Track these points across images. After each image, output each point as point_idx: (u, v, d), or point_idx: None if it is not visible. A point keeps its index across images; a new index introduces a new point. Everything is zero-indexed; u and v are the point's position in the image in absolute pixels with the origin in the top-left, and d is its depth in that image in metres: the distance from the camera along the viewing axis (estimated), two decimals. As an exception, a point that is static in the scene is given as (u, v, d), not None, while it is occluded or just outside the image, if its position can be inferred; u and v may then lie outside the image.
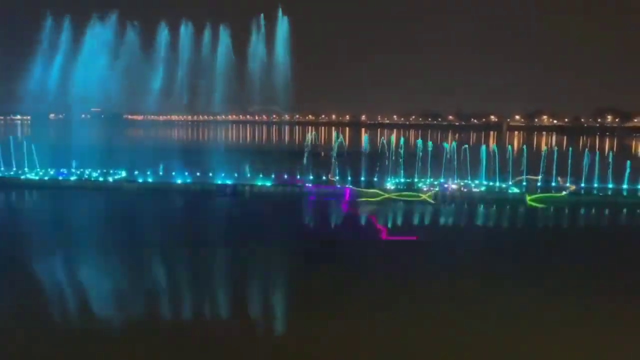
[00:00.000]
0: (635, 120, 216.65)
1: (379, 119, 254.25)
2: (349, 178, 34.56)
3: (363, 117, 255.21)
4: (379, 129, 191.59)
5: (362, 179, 35.22)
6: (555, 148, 38.90)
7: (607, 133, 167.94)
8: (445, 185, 33.04)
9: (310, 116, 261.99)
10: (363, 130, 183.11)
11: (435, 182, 33.78)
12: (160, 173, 35.42)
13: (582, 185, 33.63)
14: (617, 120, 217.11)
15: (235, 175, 34.81)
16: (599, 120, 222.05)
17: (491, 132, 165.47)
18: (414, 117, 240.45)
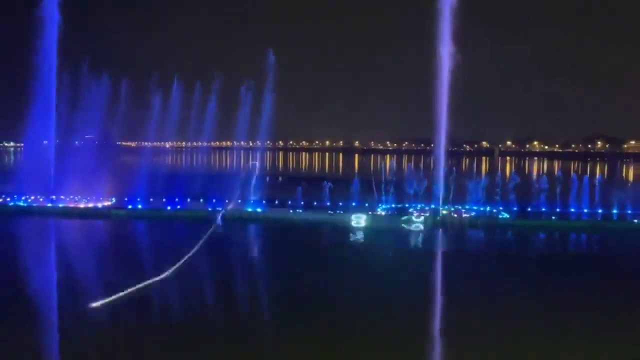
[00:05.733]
0: (626, 146, 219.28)
1: (372, 144, 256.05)
2: None
3: (356, 143, 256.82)
4: (372, 155, 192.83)
5: None
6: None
7: (598, 159, 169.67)
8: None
9: (304, 142, 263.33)
10: (357, 156, 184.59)
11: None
12: (151, 200, 35.18)
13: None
14: (607, 146, 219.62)
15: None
16: (589, 146, 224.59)
17: (483, 158, 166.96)
18: (406, 143, 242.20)
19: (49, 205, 34.60)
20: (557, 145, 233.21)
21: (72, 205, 34.72)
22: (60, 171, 38.40)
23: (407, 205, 34.53)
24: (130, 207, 34.24)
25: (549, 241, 29.17)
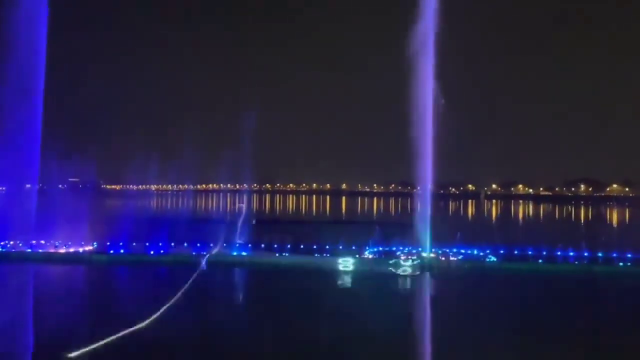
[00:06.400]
0: (608, 189, 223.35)
1: (359, 187, 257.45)
2: None
3: (343, 186, 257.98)
4: (359, 197, 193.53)
5: None
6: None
7: (582, 202, 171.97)
8: None
9: (291, 185, 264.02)
10: (344, 198, 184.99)
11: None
12: (133, 244, 34.52)
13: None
14: (590, 189, 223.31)
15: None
16: (572, 189, 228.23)
17: (470, 201, 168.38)
18: (393, 185, 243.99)
19: (28, 250, 33.70)
20: (541, 189, 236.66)
21: (52, 250, 33.87)
22: (42, 215, 37.72)
23: (394, 249, 34.27)
24: (111, 252, 33.51)
25: (537, 286, 28.76)
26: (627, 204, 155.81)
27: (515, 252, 34.23)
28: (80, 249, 34.01)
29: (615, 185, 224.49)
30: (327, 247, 34.20)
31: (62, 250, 33.94)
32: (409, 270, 30.20)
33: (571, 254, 33.76)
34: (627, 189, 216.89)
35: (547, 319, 20.80)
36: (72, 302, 22.63)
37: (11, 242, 34.72)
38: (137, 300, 22.98)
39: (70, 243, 34.99)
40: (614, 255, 33.20)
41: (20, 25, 35.97)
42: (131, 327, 17.05)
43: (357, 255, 33.09)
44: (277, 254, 33.07)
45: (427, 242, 33.94)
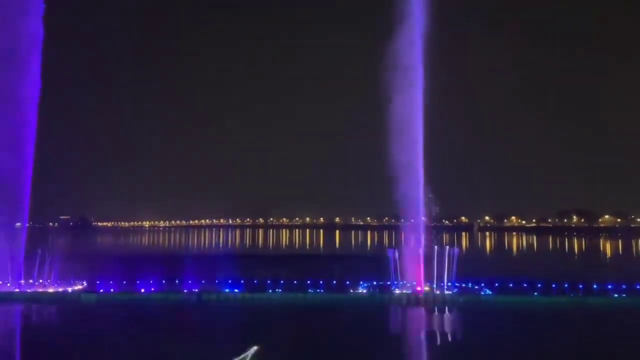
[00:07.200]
0: (600, 220, 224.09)
1: (353, 220, 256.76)
2: None
3: (337, 220, 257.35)
4: (352, 231, 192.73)
5: None
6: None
7: (574, 233, 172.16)
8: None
9: (284, 219, 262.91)
10: (337, 232, 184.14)
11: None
12: (124, 282, 33.93)
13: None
14: (582, 220, 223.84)
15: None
16: (565, 220, 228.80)
17: (463, 233, 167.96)
18: (387, 218, 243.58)
19: (16, 290, 33.00)
20: (533, 220, 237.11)
21: (40, 290, 33.17)
22: (31, 254, 37.09)
23: (388, 283, 33.90)
24: (101, 290, 32.88)
25: (534, 320, 28.23)
26: (619, 234, 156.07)
27: (510, 284, 33.91)
28: (70, 288, 33.36)
29: (607, 216, 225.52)
30: (321, 282, 33.74)
31: (51, 290, 33.24)
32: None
33: (566, 285, 33.51)
34: (618, 220, 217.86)
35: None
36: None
37: (-1, 282, 34.08)
38: None
39: (59, 282, 34.35)
40: (609, 286, 32.98)
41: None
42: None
43: (351, 290, 32.78)
44: (270, 291, 32.51)
45: (421, 275, 33.64)
